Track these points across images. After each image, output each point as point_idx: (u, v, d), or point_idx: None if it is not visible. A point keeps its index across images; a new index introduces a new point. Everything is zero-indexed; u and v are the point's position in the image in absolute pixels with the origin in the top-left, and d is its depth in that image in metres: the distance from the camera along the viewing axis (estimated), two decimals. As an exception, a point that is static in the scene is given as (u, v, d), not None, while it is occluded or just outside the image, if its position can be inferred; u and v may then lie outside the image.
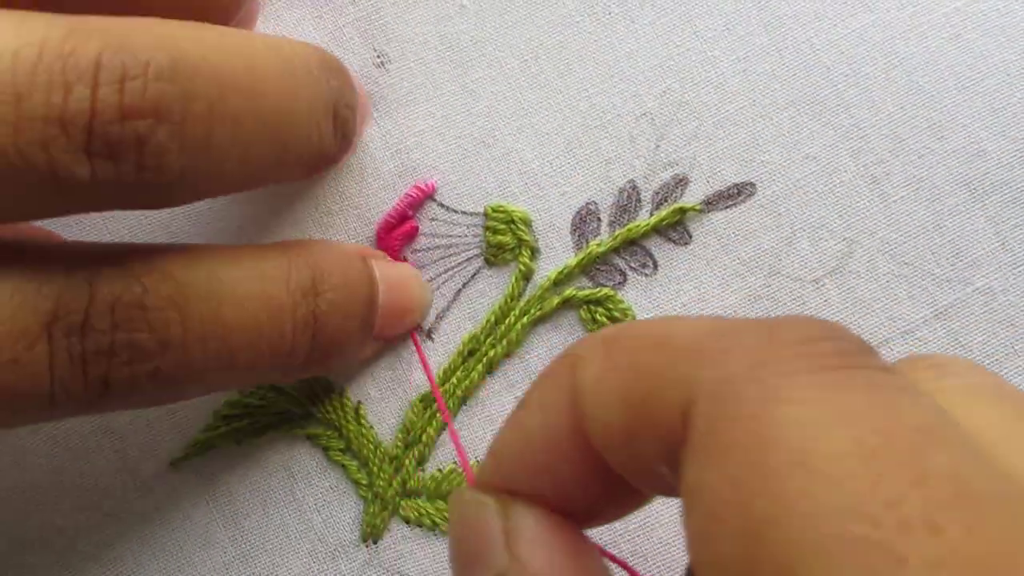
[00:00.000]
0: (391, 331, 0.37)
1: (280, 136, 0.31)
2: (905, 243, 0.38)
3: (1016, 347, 0.37)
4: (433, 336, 0.38)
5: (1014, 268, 0.37)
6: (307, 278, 0.33)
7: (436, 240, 0.38)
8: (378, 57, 0.39)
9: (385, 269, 0.37)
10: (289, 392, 0.38)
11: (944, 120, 0.38)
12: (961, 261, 0.37)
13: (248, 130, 0.29)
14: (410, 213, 0.38)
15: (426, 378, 0.38)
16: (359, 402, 0.38)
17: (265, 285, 0.31)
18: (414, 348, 0.38)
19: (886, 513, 0.16)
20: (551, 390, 0.24)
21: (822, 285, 0.37)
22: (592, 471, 0.23)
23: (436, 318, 0.38)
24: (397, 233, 0.38)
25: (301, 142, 0.32)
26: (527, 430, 0.25)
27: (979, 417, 0.20)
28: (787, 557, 0.17)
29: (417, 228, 0.38)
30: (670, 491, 0.22)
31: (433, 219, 0.39)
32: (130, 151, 0.26)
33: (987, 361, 0.37)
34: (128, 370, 0.29)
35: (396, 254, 0.38)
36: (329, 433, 0.38)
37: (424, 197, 0.38)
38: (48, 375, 0.27)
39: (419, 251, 0.38)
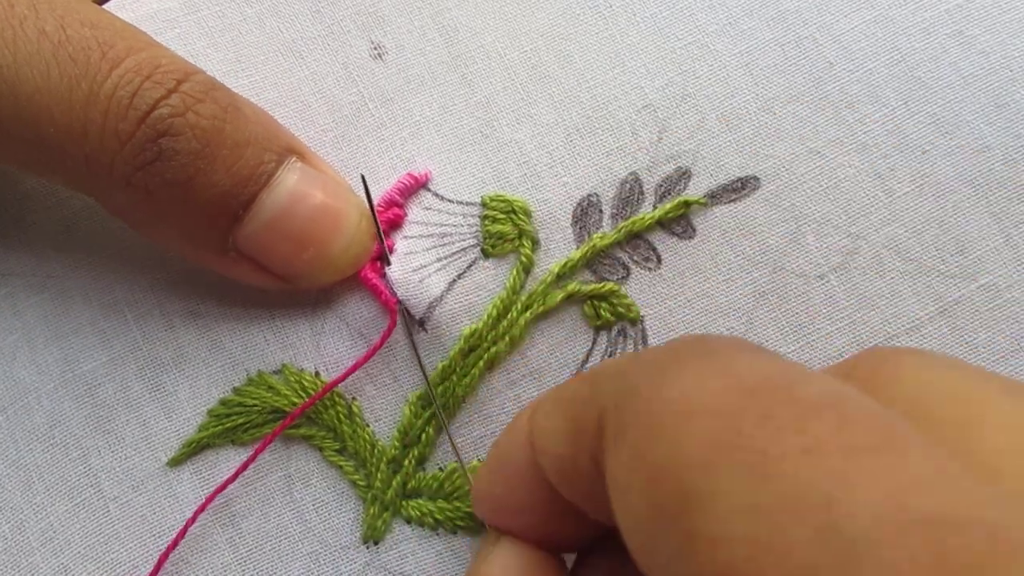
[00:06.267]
0: (281, 256, 0.35)
1: None
2: (910, 239, 0.37)
3: (1021, 343, 0.37)
4: (426, 326, 0.37)
5: (1018, 264, 0.37)
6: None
7: (429, 228, 0.38)
8: (375, 49, 0.39)
9: (311, 170, 0.35)
10: (282, 391, 0.37)
11: (948, 116, 0.38)
12: (966, 257, 0.37)
13: None
14: (399, 200, 0.38)
15: (422, 375, 0.37)
16: (353, 398, 0.37)
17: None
18: (409, 343, 0.37)
19: (758, 426, 0.20)
20: (513, 436, 0.29)
21: (827, 281, 0.37)
22: (551, 504, 0.28)
23: (428, 307, 0.37)
24: (381, 218, 0.37)
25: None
26: (497, 474, 0.29)
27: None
28: (681, 481, 0.20)
29: (404, 216, 0.38)
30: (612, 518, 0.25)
31: (427, 208, 0.38)
32: None
33: (992, 357, 0.37)
34: None
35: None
36: (323, 434, 0.37)
37: (417, 185, 0.38)
38: None
39: (411, 238, 0.38)
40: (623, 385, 0.23)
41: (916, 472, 0.19)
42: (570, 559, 0.31)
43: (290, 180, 0.34)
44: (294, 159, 0.34)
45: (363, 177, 0.37)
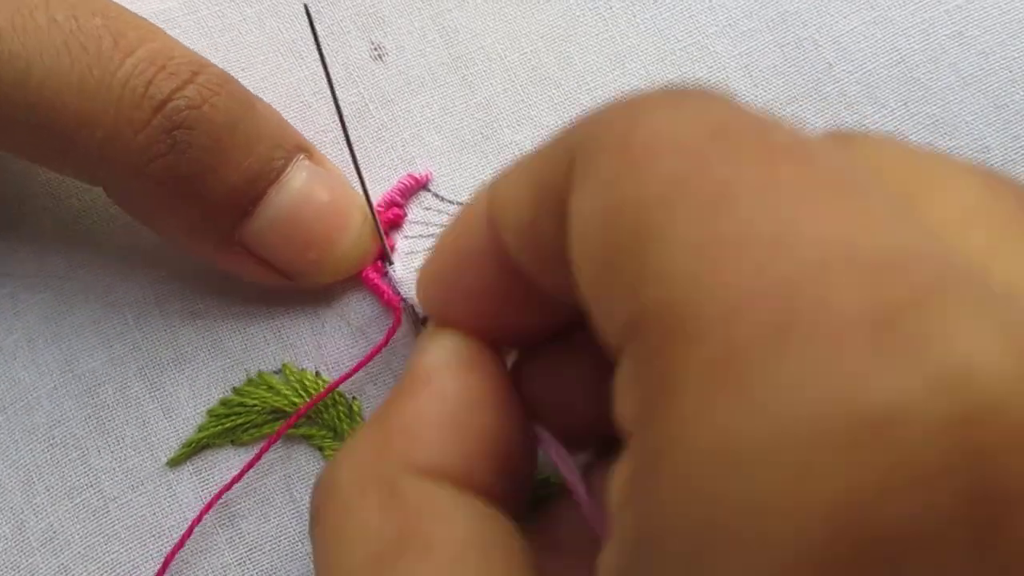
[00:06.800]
0: (285, 253, 0.35)
1: None
2: (909, 240, 0.37)
3: (1021, 346, 0.37)
4: (428, 324, 0.37)
5: (1018, 266, 0.37)
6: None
7: (430, 228, 0.38)
8: (375, 50, 0.39)
9: (318, 169, 0.35)
10: (282, 391, 0.37)
11: (947, 117, 0.38)
12: (965, 259, 0.37)
13: None
14: (400, 201, 0.38)
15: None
16: (353, 398, 0.37)
17: None
18: (410, 342, 0.37)
19: (723, 161, 0.19)
20: (469, 214, 0.27)
21: (826, 282, 0.37)
22: (508, 286, 0.26)
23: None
24: (381, 218, 0.37)
25: None
26: (450, 254, 0.28)
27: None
28: (639, 216, 0.19)
29: (404, 216, 0.38)
30: (571, 290, 0.23)
31: (428, 208, 0.38)
32: None
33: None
34: None
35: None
36: (324, 433, 0.37)
37: (417, 186, 0.38)
38: None
39: (412, 238, 0.38)
40: (597, 126, 0.22)
41: (874, 215, 0.18)
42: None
43: (299, 178, 0.34)
44: (303, 157, 0.35)
45: (307, 7, 0.36)
